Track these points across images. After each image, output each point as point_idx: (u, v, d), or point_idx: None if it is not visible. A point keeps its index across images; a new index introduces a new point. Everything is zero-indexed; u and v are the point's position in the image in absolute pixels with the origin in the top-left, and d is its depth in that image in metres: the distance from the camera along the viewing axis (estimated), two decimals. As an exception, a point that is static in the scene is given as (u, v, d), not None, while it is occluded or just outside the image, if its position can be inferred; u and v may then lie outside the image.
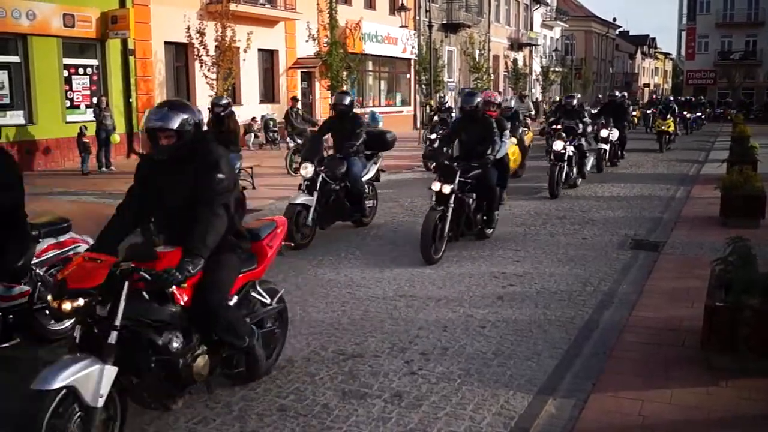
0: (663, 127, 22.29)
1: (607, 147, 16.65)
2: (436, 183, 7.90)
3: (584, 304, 6.38)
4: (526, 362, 5.01)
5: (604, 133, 16.46)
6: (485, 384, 4.63)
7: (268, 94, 24.84)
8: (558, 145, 12.71)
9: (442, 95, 23.47)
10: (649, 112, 31.91)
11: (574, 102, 14.84)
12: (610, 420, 4.07)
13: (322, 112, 26.55)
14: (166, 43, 19.93)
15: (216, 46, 18.75)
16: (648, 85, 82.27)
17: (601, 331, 5.66)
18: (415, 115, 32.77)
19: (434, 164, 8.65)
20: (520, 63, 43.88)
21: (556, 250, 8.53)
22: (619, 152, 17.91)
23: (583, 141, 13.82)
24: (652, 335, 5.41)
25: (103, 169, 16.18)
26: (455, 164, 8.19)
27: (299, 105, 21.68)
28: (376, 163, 9.99)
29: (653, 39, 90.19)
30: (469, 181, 8.32)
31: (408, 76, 33.73)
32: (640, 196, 12.92)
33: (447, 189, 7.83)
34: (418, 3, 32.33)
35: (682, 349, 5.13)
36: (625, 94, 32.12)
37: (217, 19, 19.00)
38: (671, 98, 25.53)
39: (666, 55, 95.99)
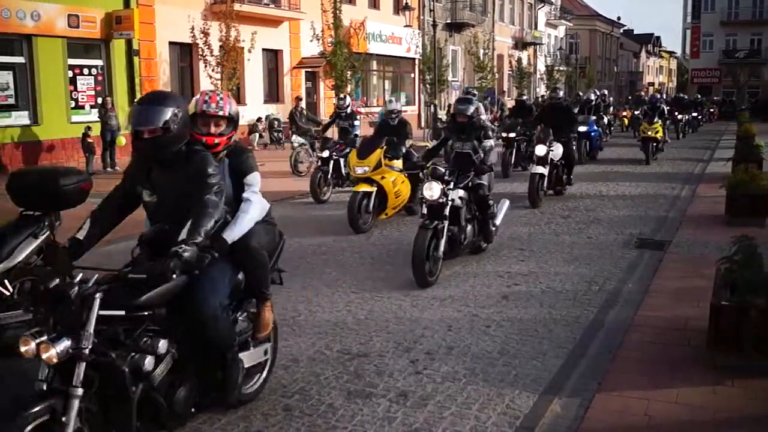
0: (649, 133, 18.00)
1: (545, 171, 11.55)
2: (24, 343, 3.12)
3: (589, 304, 6.37)
4: (531, 362, 5.00)
5: (540, 150, 11.58)
6: (490, 383, 4.63)
7: (273, 93, 24.88)
8: (432, 191, 7.06)
9: (342, 96, 15.50)
10: (637, 113, 26.61)
11: (471, 110, 8.08)
12: (615, 419, 4.06)
13: (326, 111, 26.58)
14: (170, 43, 19.99)
15: (220, 47, 18.78)
16: (653, 84, 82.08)
17: (606, 331, 5.66)
18: (419, 115, 32.79)
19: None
20: (525, 62, 43.83)
21: (561, 249, 8.51)
22: (565, 176, 12.61)
23: (484, 179, 7.91)
24: (658, 335, 5.40)
25: (108, 169, 16.22)
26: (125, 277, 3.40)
27: (303, 105, 21.73)
28: (37, 236, 5.27)
29: (658, 38, 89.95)
30: (146, 314, 3.48)
31: (412, 75, 33.74)
32: (645, 194, 12.89)
33: (52, 353, 3.04)
34: (423, 2, 32.34)
35: (687, 348, 5.12)
36: (605, 92, 28.30)
37: (221, 20, 19.02)
38: (658, 96, 21.07)
39: (671, 53, 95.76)
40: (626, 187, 13.86)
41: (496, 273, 7.45)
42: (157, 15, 19.24)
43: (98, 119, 16.54)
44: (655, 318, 5.78)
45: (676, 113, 26.61)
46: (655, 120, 18.24)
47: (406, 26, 28.76)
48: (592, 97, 21.59)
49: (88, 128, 16.06)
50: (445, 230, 7.12)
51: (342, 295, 6.67)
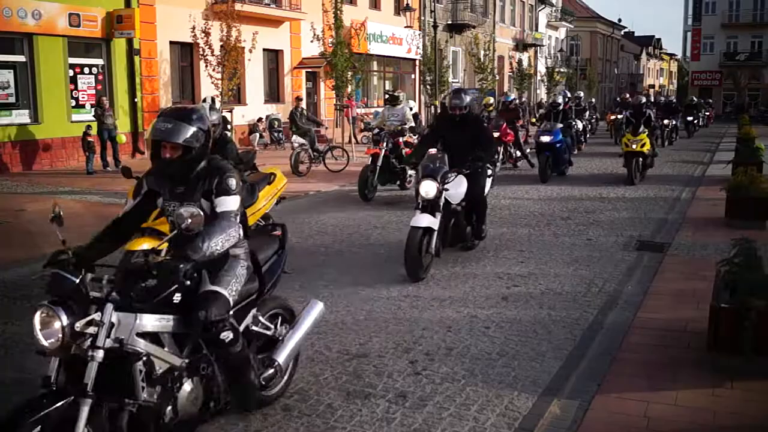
0: (633, 146, 14.27)
1: (434, 222, 7.21)
2: None
3: (589, 305, 6.37)
4: (530, 363, 5.00)
5: (427, 189, 7.25)
6: (489, 384, 4.63)
7: (273, 94, 24.88)
8: (47, 333, 3.12)
9: (210, 100, 10.52)
10: (620, 117, 21.84)
11: (188, 133, 3.73)
12: (614, 421, 4.06)
13: (326, 112, 26.59)
14: (171, 42, 19.99)
15: (221, 46, 18.78)
16: (653, 86, 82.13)
17: (605, 332, 5.65)
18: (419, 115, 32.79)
19: None
20: (525, 63, 43.84)
21: (561, 251, 8.51)
22: (471, 226, 8.21)
23: (222, 292, 3.71)
24: (657, 336, 5.39)
25: (108, 168, 16.22)
26: None
27: (304, 105, 21.71)
28: None
29: (658, 40, 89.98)
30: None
31: (413, 76, 33.73)
32: (645, 197, 12.88)
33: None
34: (423, 3, 32.34)
35: (687, 350, 5.11)
36: (581, 94, 25.32)
37: (222, 19, 19.02)
38: (643, 99, 16.99)
39: (671, 56, 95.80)
40: (626, 189, 13.84)
41: (496, 274, 7.44)
42: (158, 14, 19.23)
43: (94, 118, 16.54)
44: (655, 320, 5.78)
45: (663, 119, 24.04)
46: (641, 129, 14.70)
47: (407, 27, 28.76)
48: (559, 100, 17.44)
49: (89, 127, 16.07)
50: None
51: (341, 295, 6.66)
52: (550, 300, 6.53)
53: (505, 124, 16.54)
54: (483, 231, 8.43)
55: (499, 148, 15.77)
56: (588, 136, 24.57)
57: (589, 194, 13.17)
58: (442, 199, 7.37)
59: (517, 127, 17.06)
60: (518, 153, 17.25)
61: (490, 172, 8.45)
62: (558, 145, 15.09)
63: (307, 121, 18.91)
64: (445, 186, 7.41)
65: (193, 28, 18.55)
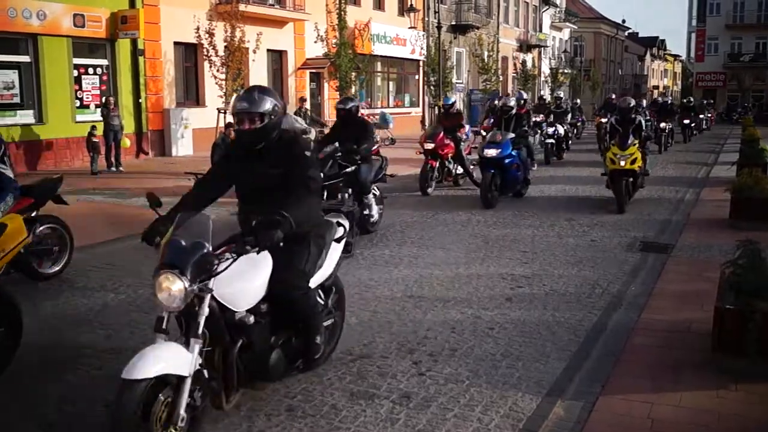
0: (622, 163, 11.20)
1: (184, 367, 3.47)
2: None
3: (593, 306, 6.36)
4: (534, 364, 4.99)
5: (167, 295, 3.46)
6: (493, 385, 4.62)
7: (277, 94, 24.89)
8: None
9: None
10: (605, 120, 17.95)
11: None
12: (618, 422, 4.05)
13: (330, 113, 26.59)
14: (175, 43, 20.03)
15: (225, 47, 18.81)
16: (657, 87, 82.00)
17: (609, 334, 5.64)
18: (423, 116, 32.82)
19: None
20: (529, 64, 43.79)
21: (565, 252, 8.50)
22: (293, 339, 4.27)
23: None
24: (662, 338, 5.38)
25: (113, 169, 16.25)
26: None
27: (308, 105, 21.75)
28: None
29: (663, 41, 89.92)
30: None
31: (417, 77, 33.76)
32: (649, 198, 12.86)
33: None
34: (427, 4, 32.37)
35: (691, 352, 5.10)
36: (561, 94, 23.88)
37: (226, 20, 19.07)
38: (632, 102, 12.92)
39: (675, 57, 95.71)
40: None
41: (500, 275, 7.44)
42: (162, 15, 19.28)
43: (101, 119, 16.59)
44: (659, 321, 5.77)
45: (660, 122, 22.52)
46: (629, 141, 11.49)
47: (411, 28, 28.80)
48: (511, 103, 13.50)
49: (93, 127, 16.10)
50: None
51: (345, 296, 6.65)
52: (554, 301, 6.52)
53: (442, 134, 13.47)
54: (318, 348, 4.38)
55: (434, 162, 13.28)
56: (570, 142, 22.43)
57: (592, 195, 13.09)
58: (205, 309, 3.61)
59: (458, 136, 13.88)
60: (459, 169, 14.12)
61: (340, 232, 4.71)
62: (507, 160, 11.83)
63: (311, 122, 18.94)
64: (206, 283, 3.57)
65: (197, 28, 18.59)
